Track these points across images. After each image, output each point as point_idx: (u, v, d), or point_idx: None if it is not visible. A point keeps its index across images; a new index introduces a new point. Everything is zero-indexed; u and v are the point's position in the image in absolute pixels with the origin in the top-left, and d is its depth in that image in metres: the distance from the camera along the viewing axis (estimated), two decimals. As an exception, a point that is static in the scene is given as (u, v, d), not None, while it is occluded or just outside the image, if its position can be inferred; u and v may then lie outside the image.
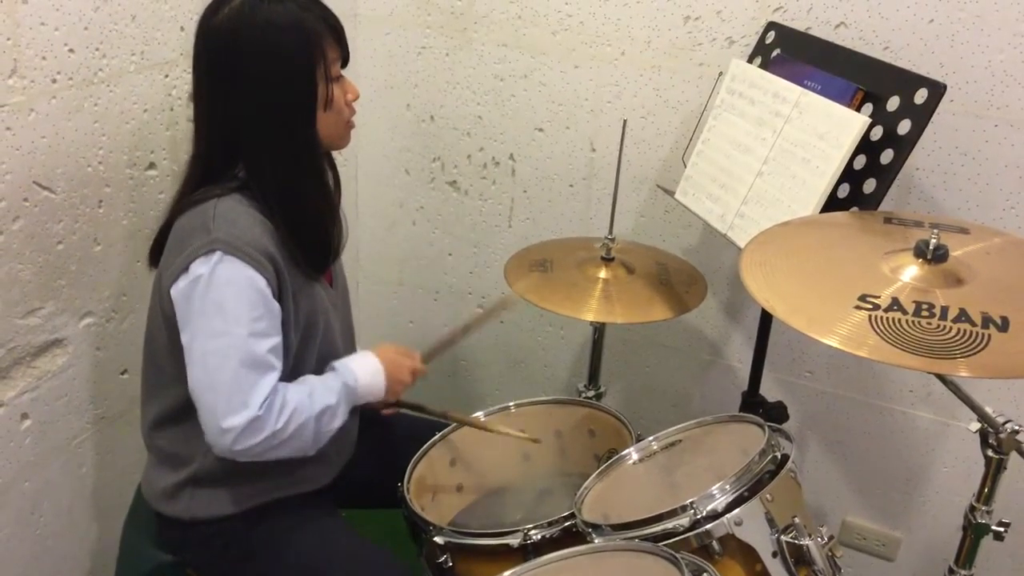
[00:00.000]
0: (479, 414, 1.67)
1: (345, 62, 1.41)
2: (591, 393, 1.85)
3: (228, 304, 1.27)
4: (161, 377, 1.40)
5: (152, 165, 1.71)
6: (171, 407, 1.40)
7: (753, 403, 1.73)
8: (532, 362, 2.35)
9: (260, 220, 1.32)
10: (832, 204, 1.44)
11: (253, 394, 1.27)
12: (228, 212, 1.31)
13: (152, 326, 1.42)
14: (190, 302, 1.28)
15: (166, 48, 1.68)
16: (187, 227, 1.32)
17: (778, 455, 1.27)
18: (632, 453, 1.45)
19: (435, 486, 1.61)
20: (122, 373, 1.75)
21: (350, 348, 1.60)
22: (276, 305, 1.32)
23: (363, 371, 1.45)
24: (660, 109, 1.96)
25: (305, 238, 1.37)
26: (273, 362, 1.31)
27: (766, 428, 1.30)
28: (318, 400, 1.36)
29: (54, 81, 1.48)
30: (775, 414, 1.70)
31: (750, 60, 1.73)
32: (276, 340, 1.32)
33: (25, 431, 1.58)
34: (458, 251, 2.32)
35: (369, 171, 2.34)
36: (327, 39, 1.33)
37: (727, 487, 1.22)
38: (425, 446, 1.61)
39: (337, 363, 1.45)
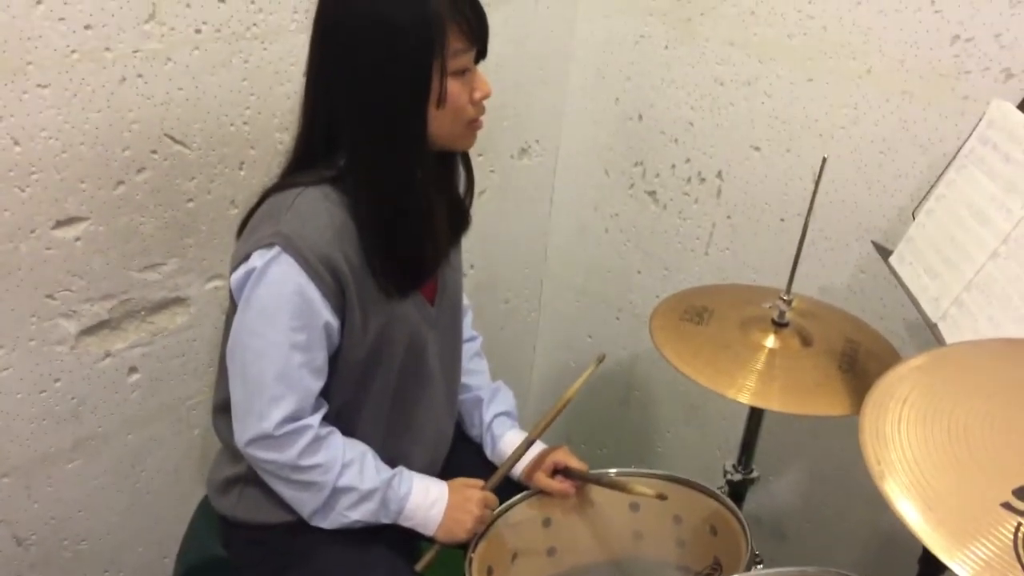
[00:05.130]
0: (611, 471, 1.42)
1: (480, 56, 1.20)
2: (737, 477, 1.51)
3: (271, 306, 1.15)
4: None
5: (306, 131, 1.60)
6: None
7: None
8: (710, 407, 2.03)
9: (339, 222, 1.16)
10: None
11: (272, 409, 1.17)
12: (305, 206, 1.16)
13: (230, 305, 1.31)
14: (241, 292, 1.18)
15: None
16: (265, 212, 1.21)
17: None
18: None
19: (518, 548, 1.38)
20: (248, 341, 1.67)
21: (451, 373, 1.41)
22: (326, 319, 1.17)
23: (421, 490, 1.29)
24: (904, 145, 1.57)
25: (391, 249, 1.19)
26: (303, 379, 1.18)
27: None
28: (350, 476, 1.23)
29: (198, 31, 1.39)
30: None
31: (1023, 104, 1.31)
32: (311, 356, 1.18)
33: (132, 384, 1.54)
34: (648, 270, 2.05)
35: (568, 165, 2.12)
36: (452, 25, 1.12)
37: None
38: (513, 500, 1.38)
39: (406, 471, 1.30)
